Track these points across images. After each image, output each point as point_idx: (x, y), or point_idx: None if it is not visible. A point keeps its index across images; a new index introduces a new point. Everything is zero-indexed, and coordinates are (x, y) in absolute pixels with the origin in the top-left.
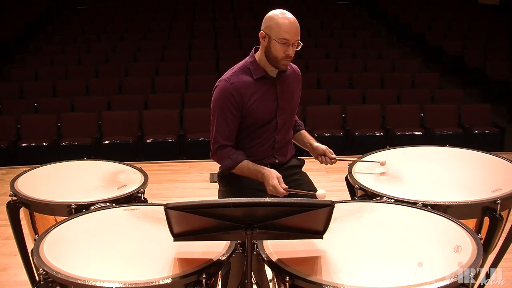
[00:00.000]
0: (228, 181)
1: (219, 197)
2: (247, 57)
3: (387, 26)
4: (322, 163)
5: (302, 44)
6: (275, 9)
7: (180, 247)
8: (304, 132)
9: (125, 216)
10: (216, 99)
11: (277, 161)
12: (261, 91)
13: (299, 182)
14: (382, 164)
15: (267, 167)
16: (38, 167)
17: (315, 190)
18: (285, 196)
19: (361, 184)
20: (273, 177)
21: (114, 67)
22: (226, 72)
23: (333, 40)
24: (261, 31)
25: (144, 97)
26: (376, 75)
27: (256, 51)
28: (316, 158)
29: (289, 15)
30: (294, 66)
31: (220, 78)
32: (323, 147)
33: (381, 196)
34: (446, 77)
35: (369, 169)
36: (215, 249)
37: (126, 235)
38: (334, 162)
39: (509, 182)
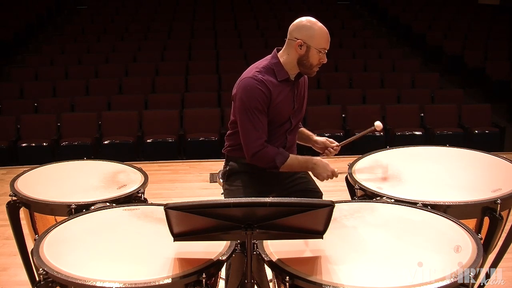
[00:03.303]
0: (235, 180)
1: (225, 197)
2: (270, 57)
3: (387, 26)
4: (328, 155)
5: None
6: (303, 15)
7: (180, 247)
8: (302, 129)
9: (125, 216)
10: (247, 97)
11: None
12: (284, 93)
13: (302, 180)
14: (378, 127)
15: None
16: (38, 167)
17: (317, 189)
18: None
19: (361, 184)
20: (327, 163)
21: (114, 67)
22: (249, 70)
23: (333, 40)
24: (298, 40)
25: (144, 97)
26: (376, 75)
27: (278, 51)
28: (321, 152)
29: (321, 24)
30: None
31: (244, 76)
32: (323, 139)
33: (381, 196)
34: (446, 77)
35: (369, 169)
36: (215, 249)
37: (126, 235)
38: (338, 149)
39: (509, 182)
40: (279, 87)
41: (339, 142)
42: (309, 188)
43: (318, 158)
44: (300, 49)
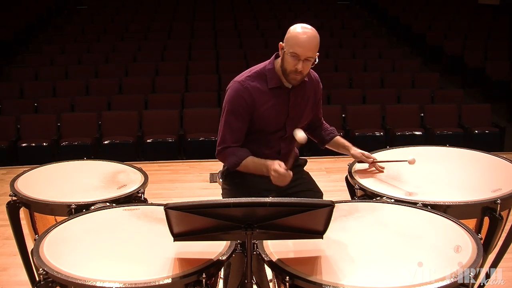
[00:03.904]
0: (233, 180)
1: (223, 196)
2: (267, 62)
3: (387, 26)
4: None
5: (317, 61)
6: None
7: (180, 247)
8: (338, 138)
9: (125, 216)
10: (228, 100)
11: None
12: (273, 101)
13: (302, 180)
14: (411, 163)
15: None
16: (38, 167)
17: (317, 188)
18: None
19: (361, 184)
20: (274, 163)
21: (114, 67)
22: (242, 74)
23: (333, 40)
24: (280, 42)
25: (144, 97)
26: (376, 75)
27: (277, 57)
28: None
29: (309, 30)
30: (313, 73)
31: (235, 79)
32: (358, 153)
33: (381, 196)
34: (446, 77)
35: (369, 169)
36: (215, 249)
37: (126, 235)
38: (373, 165)
39: (509, 182)
40: (268, 95)
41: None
42: (309, 188)
43: (271, 161)
44: (281, 51)
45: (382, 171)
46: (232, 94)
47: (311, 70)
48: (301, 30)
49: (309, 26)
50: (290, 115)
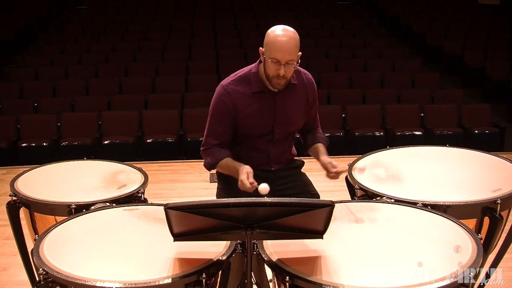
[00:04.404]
0: (225, 179)
1: (217, 195)
2: (253, 65)
3: (387, 26)
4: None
5: (297, 63)
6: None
7: (180, 247)
8: (317, 145)
9: (125, 216)
10: (212, 103)
11: (273, 168)
12: (256, 105)
13: (296, 183)
14: (361, 170)
15: (263, 173)
16: (38, 167)
17: (313, 191)
18: (285, 196)
19: (361, 184)
20: (243, 172)
21: (114, 67)
22: (229, 77)
23: (333, 40)
24: (260, 47)
25: (144, 97)
26: (376, 75)
27: (261, 61)
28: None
29: (286, 32)
30: (306, 75)
31: (221, 82)
32: (326, 161)
33: (381, 196)
34: (446, 77)
35: (369, 169)
36: (215, 249)
37: (126, 235)
38: (335, 177)
39: (509, 182)
40: (250, 99)
41: (339, 143)
42: (305, 191)
43: (243, 166)
44: (262, 56)
45: (336, 177)
46: (215, 99)
47: (304, 71)
48: (279, 33)
49: (287, 28)
50: (278, 120)
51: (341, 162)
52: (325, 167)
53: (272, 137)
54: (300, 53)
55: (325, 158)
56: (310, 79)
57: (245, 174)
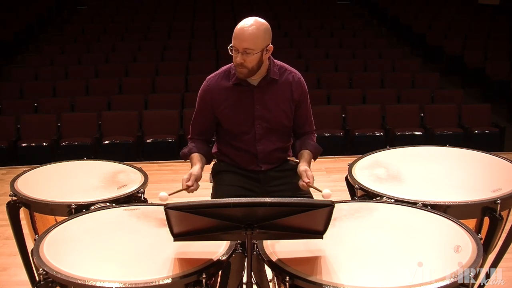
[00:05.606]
0: (215, 177)
1: (212, 193)
2: None
3: (387, 26)
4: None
5: (261, 54)
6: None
7: (180, 247)
8: (303, 151)
9: (125, 216)
10: (198, 96)
11: (263, 168)
12: (235, 98)
13: (288, 186)
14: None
15: (253, 173)
16: (38, 167)
17: (307, 194)
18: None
19: (361, 184)
20: (188, 173)
21: (114, 67)
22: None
23: (333, 40)
24: None
25: (144, 97)
26: (376, 75)
27: None
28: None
29: (249, 22)
30: (294, 74)
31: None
32: (302, 169)
33: (381, 196)
34: (446, 77)
35: (369, 169)
36: (215, 249)
37: (126, 235)
38: (305, 188)
39: (509, 182)
40: (229, 92)
41: (339, 143)
42: (297, 192)
43: (193, 168)
44: None
45: (306, 188)
46: (199, 93)
47: (293, 70)
48: (242, 23)
49: (254, 18)
50: (257, 113)
51: (341, 162)
52: (300, 174)
53: (254, 134)
54: (270, 46)
55: (303, 165)
56: (298, 78)
57: (188, 175)
